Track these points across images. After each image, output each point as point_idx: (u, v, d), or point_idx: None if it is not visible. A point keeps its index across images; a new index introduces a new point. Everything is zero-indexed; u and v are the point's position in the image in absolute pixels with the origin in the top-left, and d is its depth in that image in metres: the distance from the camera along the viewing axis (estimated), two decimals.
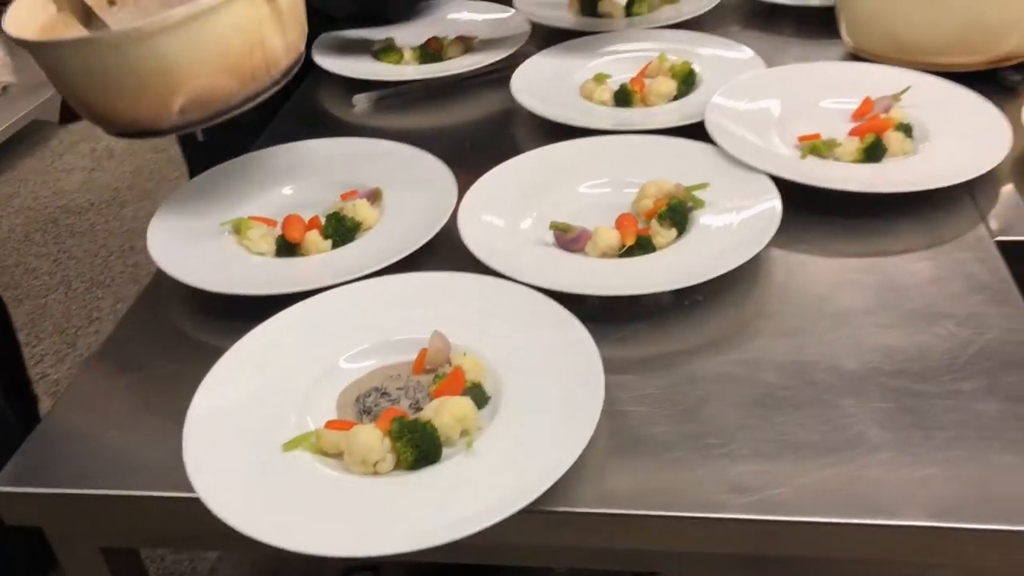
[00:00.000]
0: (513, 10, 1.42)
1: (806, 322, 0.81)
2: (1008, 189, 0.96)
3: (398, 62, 1.34)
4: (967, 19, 1.11)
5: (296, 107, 1.31)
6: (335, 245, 0.96)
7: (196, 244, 0.96)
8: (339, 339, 0.81)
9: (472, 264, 0.88)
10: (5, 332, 1.50)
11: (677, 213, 0.91)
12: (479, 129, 1.22)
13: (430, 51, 1.33)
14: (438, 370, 0.78)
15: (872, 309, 0.82)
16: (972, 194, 0.95)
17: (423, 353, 0.79)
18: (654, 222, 0.91)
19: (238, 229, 0.98)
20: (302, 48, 1.00)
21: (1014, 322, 0.78)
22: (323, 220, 0.97)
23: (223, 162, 1.10)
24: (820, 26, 1.36)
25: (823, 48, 1.31)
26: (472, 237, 0.91)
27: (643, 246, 0.89)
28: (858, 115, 1.07)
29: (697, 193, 0.94)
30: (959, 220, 0.93)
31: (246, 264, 0.93)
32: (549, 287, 0.83)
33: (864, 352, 0.77)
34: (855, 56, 1.26)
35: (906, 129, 1.01)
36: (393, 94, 1.30)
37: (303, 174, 1.08)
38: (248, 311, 0.88)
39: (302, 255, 0.95)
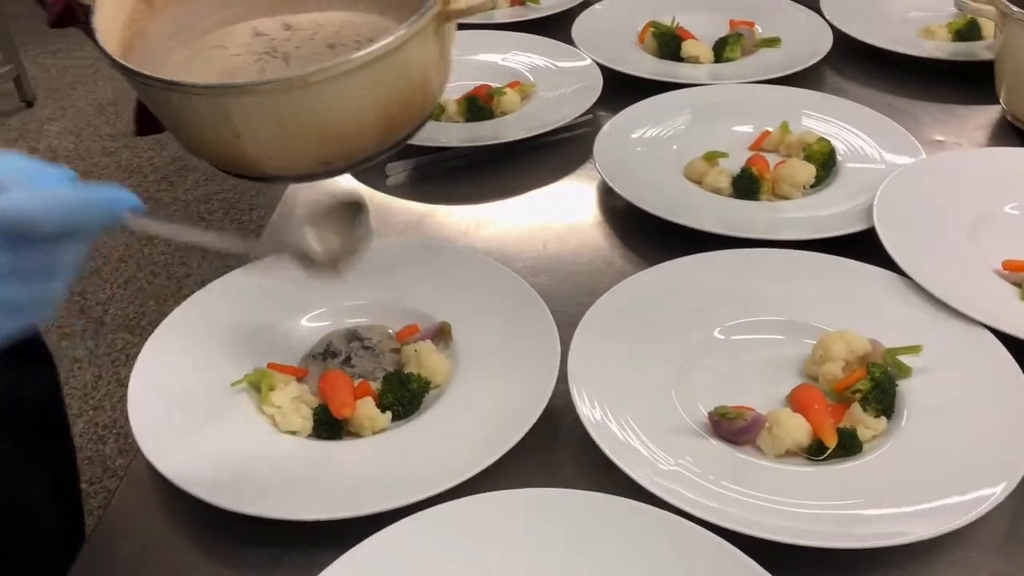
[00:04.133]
0: (583, 55, 1.14)
1: None
2: None
3: (438, 117, 1.05)
4: None
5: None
6: (396, 417, 0.68)
7: (198, 421, 0.67)
8: None
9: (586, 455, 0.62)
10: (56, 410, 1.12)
11: (887, 394, 0.65)
12: (553, 216, 0.95)
13: (479, 103, 1.05)
14: None
15: None
16: None
17: None
18: (855, 408, 0.65)
19: (256, 386, 0.70)
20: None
21: None
22: (374, 384, 0.69)
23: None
24: (953, 82, 1.11)
25: (967, 115, 1.07)
26: (602, 436, 0.64)
27: (845, 444, 0.63)
28: None
29: (903, 358, 0.68)
30: None
31: (276, 452, 0.65)
32: (755, 534, 0.57)
33: None
34: (1016, 128, 1.01)
35: None
36: (436, 160, 1.02)
37: (329, 295, 0.79)
38: (281, 536, 0.61)
39: (352, 435, 0.67)
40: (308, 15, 0.83)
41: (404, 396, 0.68)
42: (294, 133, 0.66)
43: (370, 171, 1.00)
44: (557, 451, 0.68)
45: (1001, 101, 1.02)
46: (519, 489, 0.59)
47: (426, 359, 0.70)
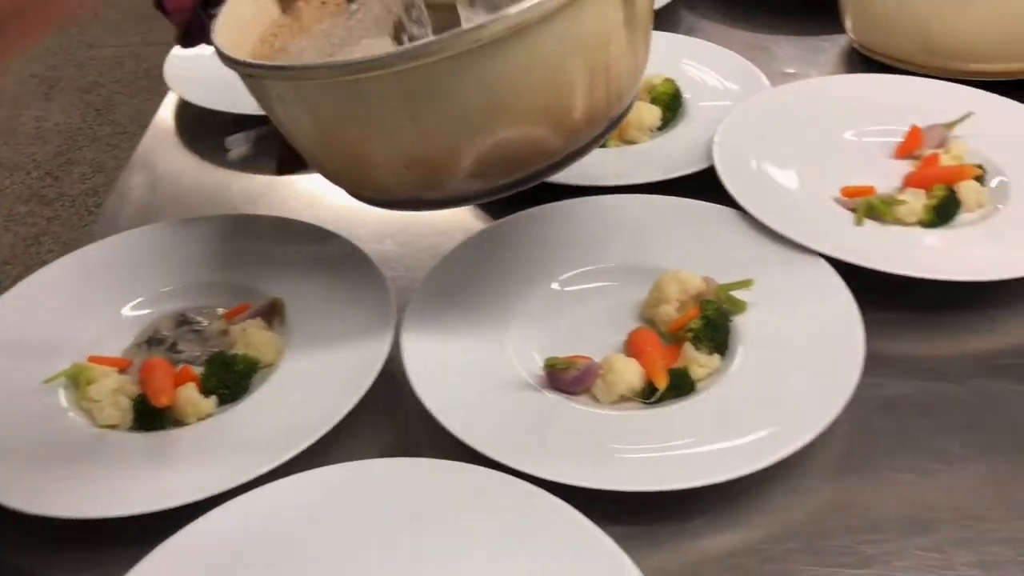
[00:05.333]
0: None
1: (925, 506, 0.56)
2: None
3: None
4: (1020, 17, 0.88)
5: (144, 159, 0.97)
6: (222, 401, 0.65)
7: (7, 424, 0.63)
8: None
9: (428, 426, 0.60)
10: None
11: (719, 330, 0.64)
12: None
13: None
14: None
15: (1008, 473, 0.58)
16: None
17: None
18: (688, 347, 0.64)
19: (75, 381, 0.66)
20: (640, 79, 0.66)
21: None
22: (198, 368, 0.66)
23: None
24: (807, 14, 1.11)
25: (818, 46, 1.06)
26: (432, 396, 0.62)
27: (678, 385, 0.62)
28: (905, 151, 0.82)
29: (737, 293, 0.67)
30: None
31: (93, 448, 0.62)
32: (590, 485, 0.55)
33: None
34: (862, 56, 1.01)
35: (979, 177, 0.77)
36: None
37: (156, 279, 0.75)
38: (100, 536, 0.58)
39: (176, 424, 0.64)
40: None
41: (229, 378, 0.65)
42: (432, 129, 0.56)
43: (208, 144, 0.96)
44: (401, 418, 0.66)
45: (847, 29, 1.02)
46: (337, 464, 0.57)
47: (254, 338, 0.67)
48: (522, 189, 0.62)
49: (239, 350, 0.67)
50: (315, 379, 0.65)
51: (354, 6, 0.76)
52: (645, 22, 0.63)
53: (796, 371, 0.62)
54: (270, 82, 0.58)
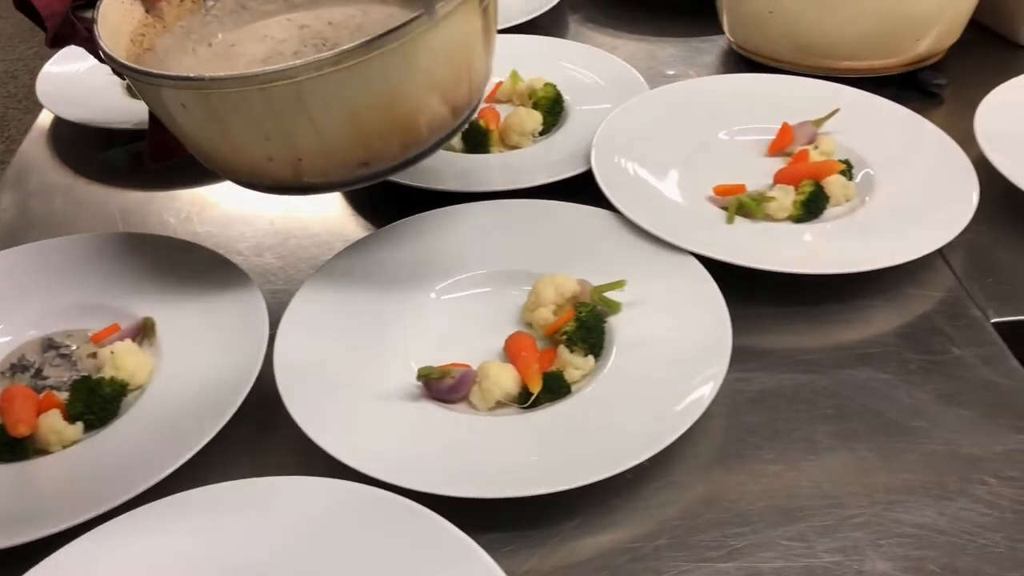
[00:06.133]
0: None
1: (790, 496, 0.58)
2: (980, 243, 0.76)
3: None
4: (883, 16, 0.90)
5: (16, 177, 0.94)
6: (89, 427, 0.63)
7: None
8: None
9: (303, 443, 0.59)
10: None
11: (592, 332, 0.65)
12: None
13: None
14: None
15: (870, 459, 0.60)
16: (941, 252, 0.75)
17: None
18: (562, 350, 0.64)
19: None
20: (489, 75, 0.74)
21: None
22: (64, 394, 0.64)
23: None
24: (690, 17, 1.13)
25: (700, 48, 1.08)
26: (304, 411, 0.61)
27: (553, 388, 0.62)
28: (776, 148, 0.84)
29: (611, 294, 0.68)
30: (935, 294, 0.72)
31: None
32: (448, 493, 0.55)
33: (889, 540, 0.55)
34: (741, 57, 1.03)
35: (845, 171, 0.79)
36: None
37: (21, 303, 0.73)
38: None
39: (40, 453, 0.62)
40: (342, 8, 0.80)
41: (95, 403, 0.63)
42: (329, 127, 0.62)
43: (83, 160, 0.94)
44: (283, 433, 0.64)
45: (724, 30, 1.04)
46: (203, 487, 0.56)
47: (123, 360, 0.65)
48: (397, 173, 0.69)
49: (108, 373, 0.65)
50: (186, 399, 0.63)
51: (210, 2, 0.77)
52: (494, 28, 0.70)
53: (666, 369, 0.63)
54: (174, 91, 0.62)
